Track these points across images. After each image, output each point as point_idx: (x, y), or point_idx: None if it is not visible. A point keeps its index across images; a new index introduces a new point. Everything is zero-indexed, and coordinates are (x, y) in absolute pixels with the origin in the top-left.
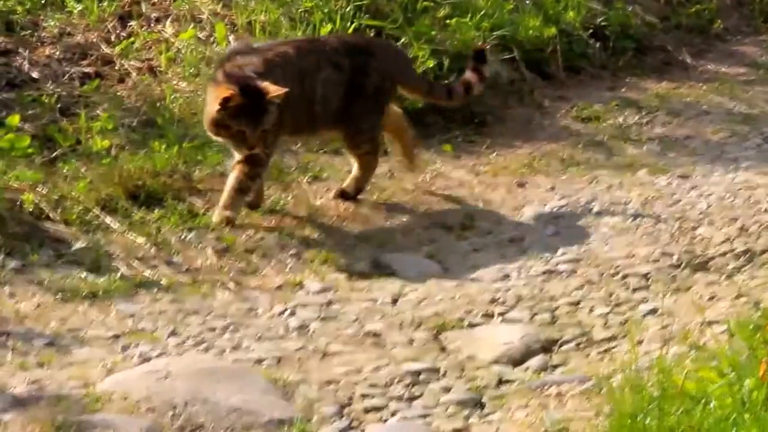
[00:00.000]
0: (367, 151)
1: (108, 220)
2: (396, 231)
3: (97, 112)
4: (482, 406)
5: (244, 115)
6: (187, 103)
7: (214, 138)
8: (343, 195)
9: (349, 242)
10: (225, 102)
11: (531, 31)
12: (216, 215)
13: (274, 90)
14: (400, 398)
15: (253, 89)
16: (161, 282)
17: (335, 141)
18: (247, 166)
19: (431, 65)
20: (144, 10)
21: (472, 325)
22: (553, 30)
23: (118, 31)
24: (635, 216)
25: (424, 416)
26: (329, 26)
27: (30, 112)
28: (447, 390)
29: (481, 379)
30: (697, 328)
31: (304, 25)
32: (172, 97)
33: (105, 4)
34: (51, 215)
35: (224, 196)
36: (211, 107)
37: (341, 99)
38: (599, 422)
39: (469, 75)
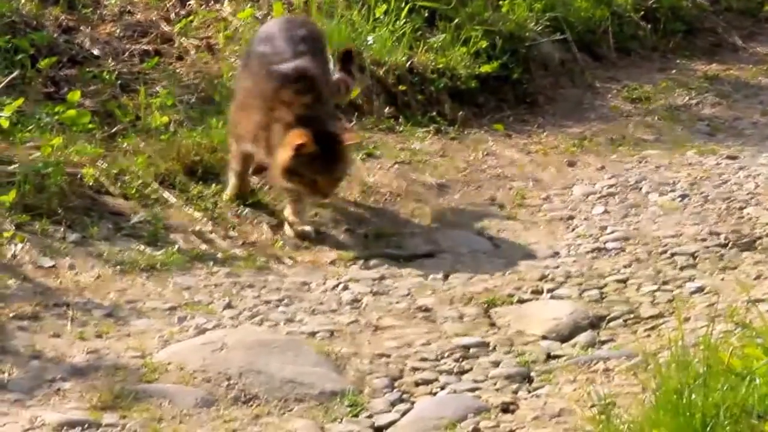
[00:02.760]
0: None
1: (166, 194)
2: (448, 208)
3: (157, 88)
4: (530, 380)
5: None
6: None
7: (284, 184)
8: None
9: (401, 219)
10: (298, 148)
11: (583, 13)
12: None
13: (349, 138)
14: (450, 372)
15: (326, 135)
16: (217, 255)
17: (389, 119)
18: None
19: (484, 46)
20: None
21: (521, 301)
22: (605, 11)
23: (177, 10)
24: (683, 196)
25: (474, 390)
26: (383, 6)
27: (91, 88)
28: (496, 364)
29: (529, 354)
30: (743, 307)
31: (359, 5)
32: (230, 74)
33: None
34: (110, 189)
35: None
36: (283, 154)
37: None
38: (646, 397)
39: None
